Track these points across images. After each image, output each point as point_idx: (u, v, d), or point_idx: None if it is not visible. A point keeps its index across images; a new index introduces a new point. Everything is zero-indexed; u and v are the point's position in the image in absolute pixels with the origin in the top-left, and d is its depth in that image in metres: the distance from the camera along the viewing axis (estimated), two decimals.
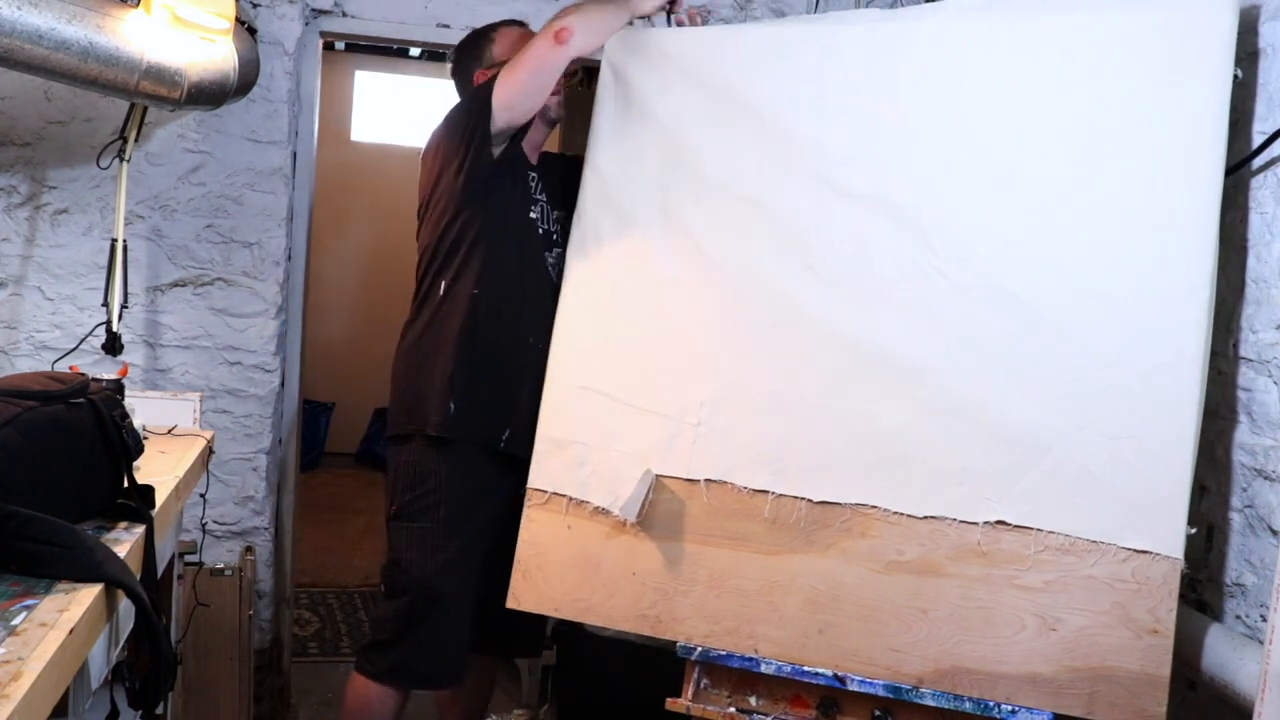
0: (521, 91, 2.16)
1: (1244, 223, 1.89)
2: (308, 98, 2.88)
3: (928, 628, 1.84)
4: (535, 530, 2.13)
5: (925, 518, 1.87)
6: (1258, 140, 1.86)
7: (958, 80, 1.97)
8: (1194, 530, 1.75)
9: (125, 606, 1.38)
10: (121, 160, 2.54)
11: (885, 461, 1.91)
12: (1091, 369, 1.80)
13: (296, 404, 2.97)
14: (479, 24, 2.77)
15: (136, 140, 2.56)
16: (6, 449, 1.34)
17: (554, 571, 2.10)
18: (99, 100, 2.61)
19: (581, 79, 3.30)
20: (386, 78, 6.55)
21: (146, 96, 2.27)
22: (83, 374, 1.66)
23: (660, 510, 2.04)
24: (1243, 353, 1.87)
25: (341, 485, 5.88)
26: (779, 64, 2.10)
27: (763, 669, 1.91)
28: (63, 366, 2.58)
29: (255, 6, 2.73)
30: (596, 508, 2.08)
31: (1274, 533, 1.76)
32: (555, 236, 2.34)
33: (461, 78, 2.38)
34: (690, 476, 2.04)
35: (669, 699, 1.94)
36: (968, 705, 1.79)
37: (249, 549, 2.85)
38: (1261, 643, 1.65)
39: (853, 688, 1.85)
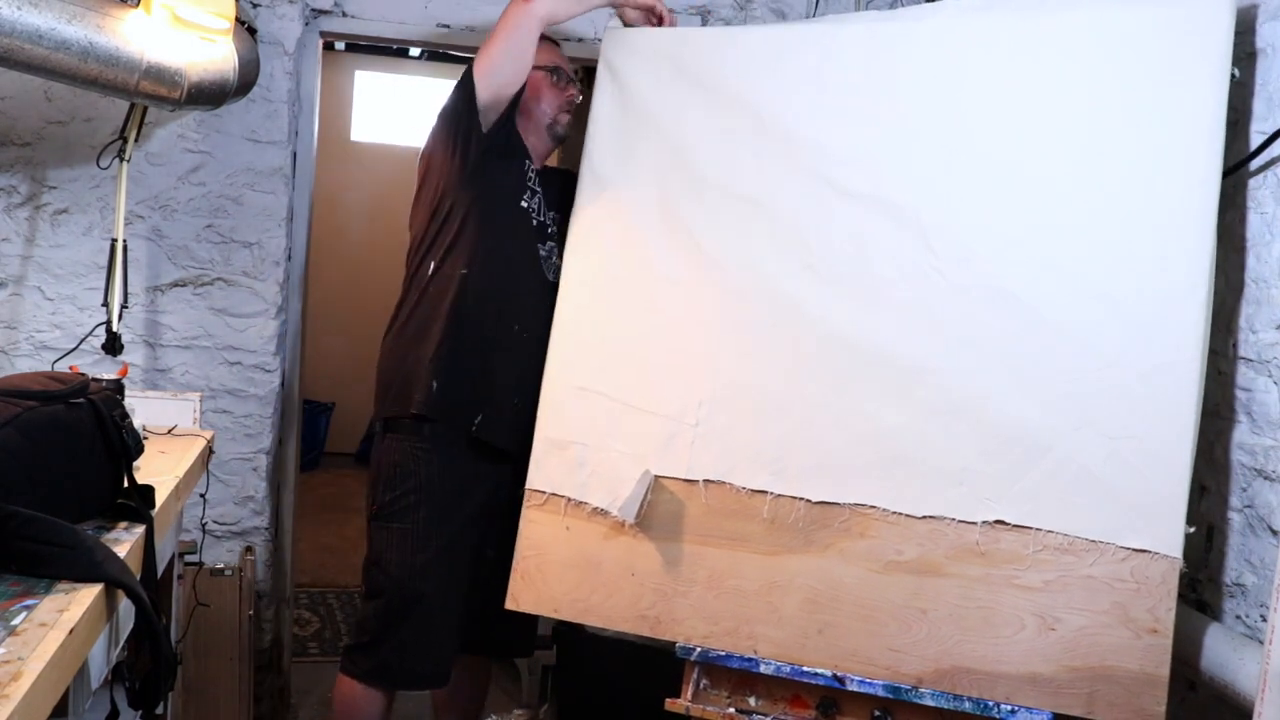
0: (498, 55, 2.15)
1: (1243, 223, 1.89)
2: (308, 98, 2.88)
3: (927, 628, 1.84)
4: (534, 531, 2.13)
5: (924, 517, 1.87)
6: (1257, 140, 1.86)
7: (957, 80, 1.97)
8: (1193, 529, 1.75)
9: (125, 606, 1.38)
10: (121, 160, 2.54)
11: (884, 461, 1.91)
12: (1091, 369, 1.80)
13: (296, 404, 2.97)
14: (479, 24, 2.79)
15: (136, 140, 2.56)
16: (6, 449, 1.34)
17: (553, 572, 2.10)
18: (99, 100, 2.61)
19: (581, 79, 3.30)
20: (386, 78, 6.55)
21: (146, 96, 2.27)
22: (83, 374, 1.66)
23: (659, 511, 2.04)
24: (1242, 353, 1.87)
25: (341, 485, 5.88)
26: (778, 64, 2.10)
27: (762, 669, 1.92)
28: (63, 366, 2.58)
29: (255, 6, 2.73)
30: (595, 508, 2.08)
31: (1274, 533, 1.76)
32: (549, 230, 2.34)
33: None
34: (689, 477, 2.04)
35: (668, 699, 1.94)
36: (967, 705, 1.79)
37: (249, 549, 2.85)
38: (1261, 643, 1.65)
39: (852, 688, 1.85)
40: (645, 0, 2.25)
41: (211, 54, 2.33)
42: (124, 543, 1.43)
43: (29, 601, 1.17)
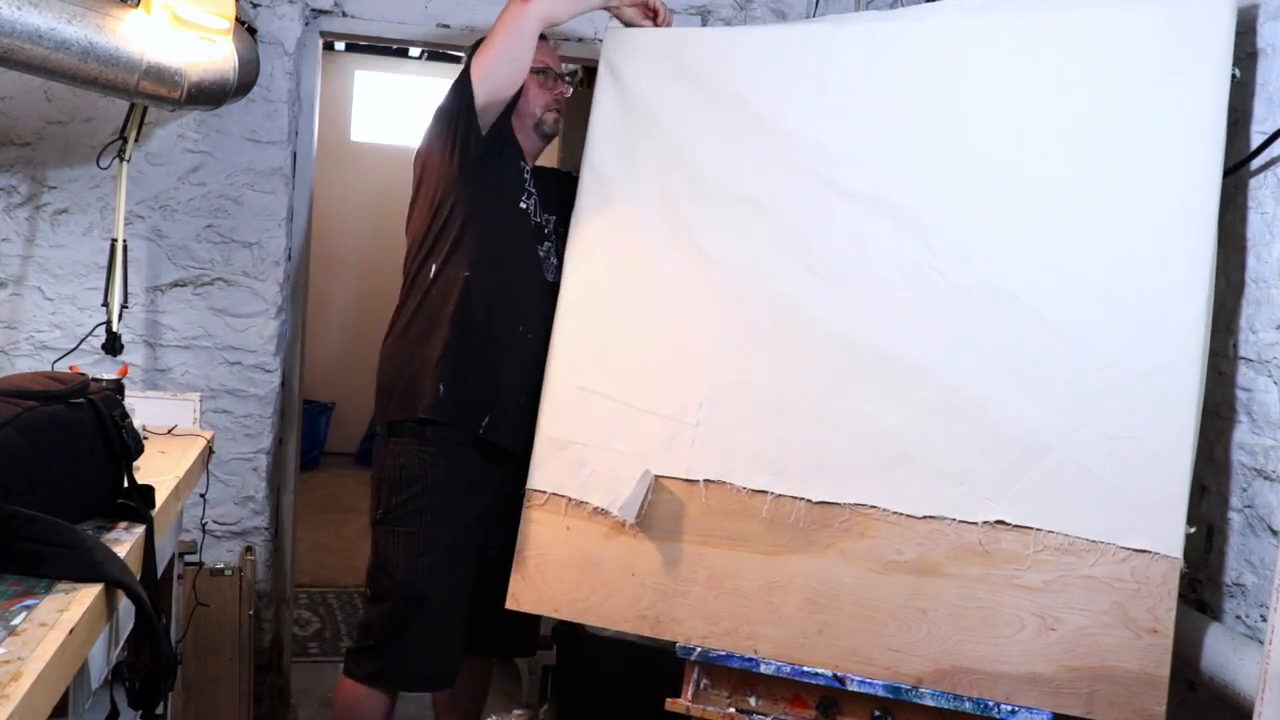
0: (496, 57, 2.15)
1: (1243, 223, 1.89)
2: (308, 98, 2.88)
3: (927, 628, 1.84)
4: (534, 531, 2.13)
5: (924, 517, 1.87)
6: (1257, 140, 1.86)
7: (957, 80, 1.98)
8: (1193, 529, 1.75)
9: (125, 606, 1.38)
10: (121, 160, 2.54)
11: (884, 461, 1.91)
12: (1091, 369, 1.80)
13: (296, 404, 2.97)
14: (479, 24, 2.78)
15: (136, 140, 2.56)
16: (6, 449, 1.34)
17: (553, 572, 2.10)
18: (99, 100, 2.61)
19: (581, 79, 3.30)
20: (386, 78, 6.55)
21: (146, 96, 2.27)
22: (83, 374, 1.66)
23: (659, 511, 2.04)
24: (1243, 353, 1.87)
25: (341, 485, 5.88)
26: (778, 65, 2.10)
27: (762, 669, 1.92)
28: (63, 366, 2.58)
29: (255, 6, 2.73)
30: (596, 508, 2.08)
31: (1274, 533, 1.76)
32: (547, 231, 2.34)
33: None
34: (689, 477, 2.04)
35: (668, 700, 1.94)
36: (967, 705, 1.79)
37: (249, 549, 2.85)
38: (1261, 643, 1.65)
39: (852, 688, 1.85)
40: None
41: (211, 54, 2.33)
42: (124, 543, 1.43)
43: (29, 601, 1.17)
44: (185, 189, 2.76)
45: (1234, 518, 1.87)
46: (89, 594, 1.22)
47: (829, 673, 1.87)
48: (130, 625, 1.45)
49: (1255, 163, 1.86)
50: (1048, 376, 1.82)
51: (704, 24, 2.93)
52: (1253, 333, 1.85)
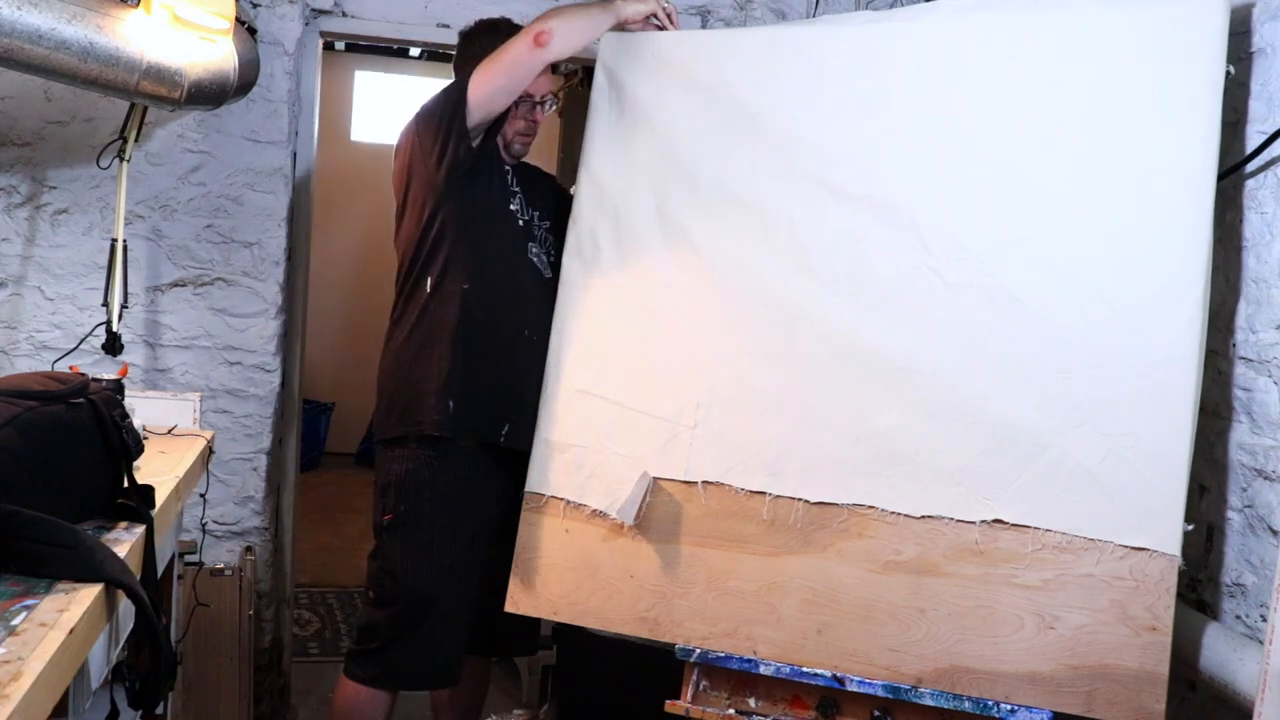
0: (495, 90, 2.15)
1: (1243, 223, 1.89)
2: (308, 98, 2.89)
3: (926, 627, 1.84)
4: (533, 533, 2.13)
5: (922, 517, 1.87)
6: (1256, 140, 1.86)
7: (952, 80, 1.97)
8: (1191, 527, 1.75)
9: (125, 606, 1.38)
10: (121, 160, 2.54)
11: (882, 461, 1.91)
12: (1088, 367, 1.80)
13: (296, 404, 2.97)
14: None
15: (136, 140, 2.57)
16: (6, 449, 1.34)
17: (552, 575, 2.10)
18: (99, 100, 2.61)
19: (580, 79, 3.30)
20: (386, 78, 6.55)
21: (146, 96, 2.27)
22: (83, 374, 1.66)
23: (658, 512, 2.04)
24: (1242, 353, 1.87)
25: (341, 485, 5.88)
26: (774, 66, 2.10)
27: (761, 670, 1.92)
28: (63, 366, 2.58)
29: (255, 6, 2.73)
30: (594, 510, 2.08)
31: (1274, 533, 1.76)
32: (535, 231, 2.33)
33: (465, 68, 2.31)
34: (687, 478, 2.04)
35: (668, 701, 1.94)
36: (967, 705, 1.79)
37: (249, 549, 2.85)
38: (1261, 643, 1.65)
39: (852, 688, 1.85)
40: (645, 9, 2.23)
41: (211, 54, 2.33)
42: (124, 543, 1.43)
43: (29, 601, 1.17)
44: (185, 189, 2.76)
45: (1234, 518, 1.87)
46: (89, 594, 1.22)
47: (828, 673, 1.87)
48: (130, 625, 1.45)
49: (1254, 163, 1.86)
50: (1045, 375, 1.82)
51: (704, 24, 2.93)
52: (1252, 333, 1.85)
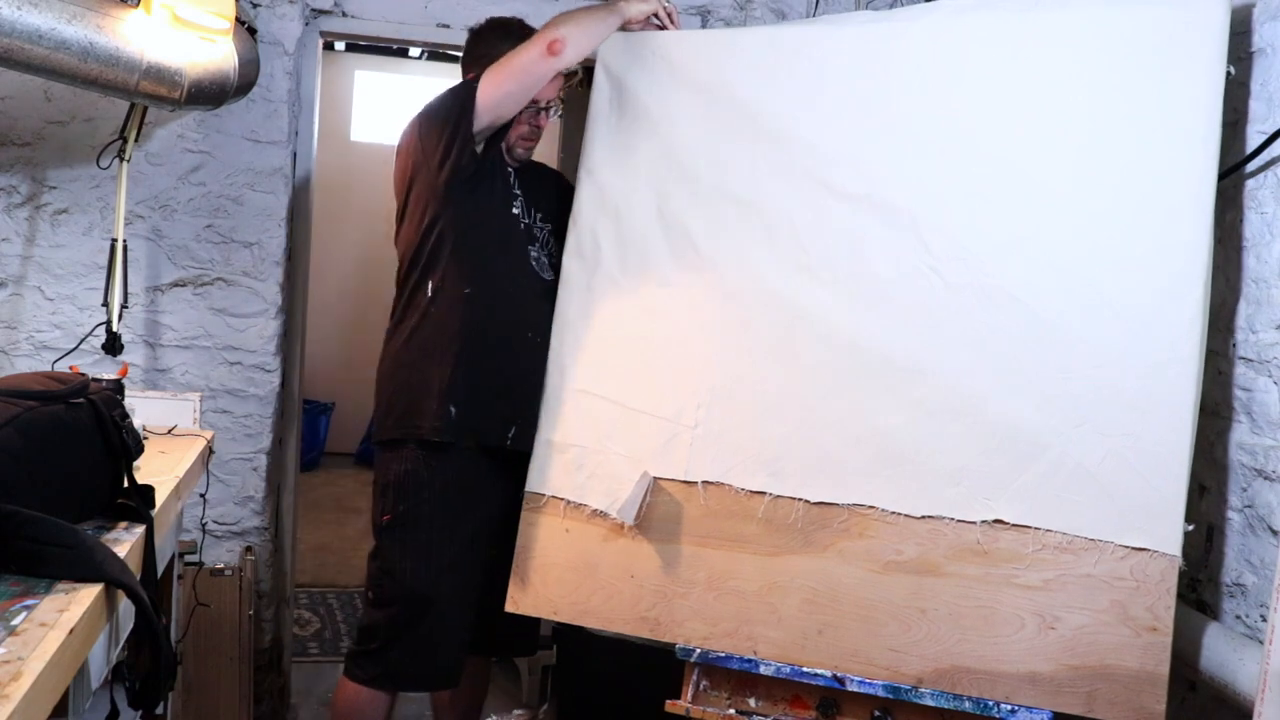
0: (505, 96, 2.14)
1: (1243, 223, 1.89)
2: (308, 98, 2.89)
3: (927, 627, 1.84)
4: (533, 534, 2.13)
5: (923, 517, 1.87)
6: (1256, 140, 1.86)
7: (952, 80, 1.97)
8: (1191, 527, 1.75)
9: (125, 606, 1.38)
10: (121, 160, 2.54)
11: (883, 461, 1.91)
12: (1088, 367, 1.80)
13: (296, 404, 2.97)
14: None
15: (136, 140, 2.57)
16: (6, 449, 1.34)
17: (552, 575, 2.10)
18: (99, 100, 2.61)
19: (581, 79, 3.30)
20: (386, 78, 6.55)
21: (146, 96, 2.27)
22: (83, 374, 1.66)
23: (658, 512, 2.04)
24: (1242, 353, 1.87)
25: (341, 485, 5.88)
26: (774, 66, 2.10)
27: (762, 670, 1.92)
28: (63, 366, 2.58)
29: (255, 6, 2.73)
30: (594, 510, 2.08)
31: (1274, 533, 1.76)
32: (536, 233, 2.33)
33: (473, 68, 2.29)
34: (688, 478, 2.04)
35: (669, 701, 1.94)
36: (967, 705, 1.79)
37: (249, 549, 2.85)
38: (1261, 643, 1.65)
39: (852, 688, 1.85)
40: (647, 8, 2.23)
41: (211, 54, 2.33)
42: (124, 543, 1.43)
43: (29, 601, 1.17)
44: (185, 189, 2.76)
45: (1234, 518, 1.87)
46: (89, 594, 1.22)
47: (829, 673, 1.87)
48: (130, 625, 1.45)
49: (1254, 163, 1.86)
50: (1045, 375, 1.82)
51: (704, 24, 2.93)
52: (1252, 333, 1.85)
